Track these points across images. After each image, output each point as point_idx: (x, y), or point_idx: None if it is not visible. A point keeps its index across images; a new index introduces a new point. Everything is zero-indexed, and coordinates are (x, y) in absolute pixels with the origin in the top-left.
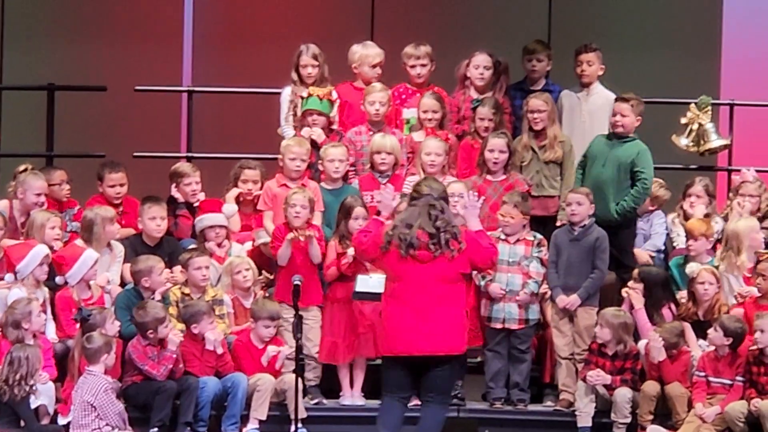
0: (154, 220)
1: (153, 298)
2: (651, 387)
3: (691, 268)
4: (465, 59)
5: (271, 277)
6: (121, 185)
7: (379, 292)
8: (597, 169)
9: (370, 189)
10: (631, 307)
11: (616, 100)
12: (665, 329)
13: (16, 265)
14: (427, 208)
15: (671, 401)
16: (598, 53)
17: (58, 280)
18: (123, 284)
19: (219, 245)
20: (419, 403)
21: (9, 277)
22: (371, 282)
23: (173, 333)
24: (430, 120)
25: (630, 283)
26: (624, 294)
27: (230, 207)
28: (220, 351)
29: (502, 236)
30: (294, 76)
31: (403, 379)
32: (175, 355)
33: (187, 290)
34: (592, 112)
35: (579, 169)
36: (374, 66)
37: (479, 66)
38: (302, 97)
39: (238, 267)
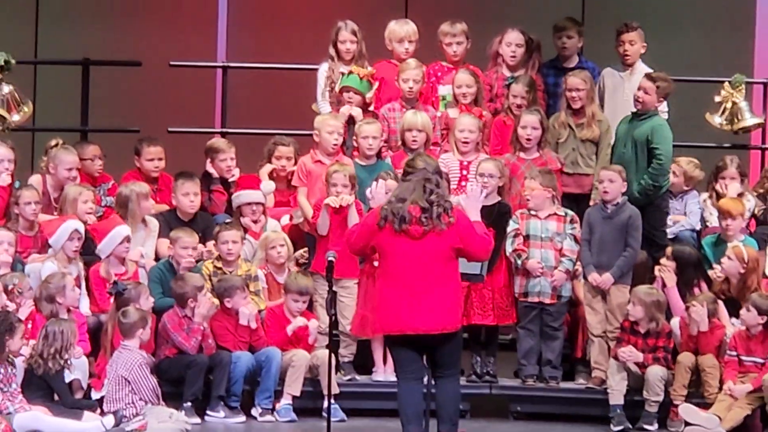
0: (188, 196)
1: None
2: (687, 358)
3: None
4: (497, 36)
5: (306, 254)
6: (159, 159)
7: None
8: (620, 149)
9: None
10: (664, 285)
11: (645, 76)
12: (701, 299)
13: (49, 239)
14: (422, 182)
15: (703, 373)
16: (639, 32)
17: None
18: (157, 259)
19: (255, 222)
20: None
21: (37, 256)
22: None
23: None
24: (464, 95)
25: (663, 261)
26: (656, 272)
27: (268, 184)
28: (254, 326)
29: (533, 211)
30: (332, 51)
31: (410, 355)
32: (203, 328)
33: (219, 264)
34: (634, 91)
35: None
36: (410, 42)
37: (511, 44)
38: (342, 73)
39: (273, 242)
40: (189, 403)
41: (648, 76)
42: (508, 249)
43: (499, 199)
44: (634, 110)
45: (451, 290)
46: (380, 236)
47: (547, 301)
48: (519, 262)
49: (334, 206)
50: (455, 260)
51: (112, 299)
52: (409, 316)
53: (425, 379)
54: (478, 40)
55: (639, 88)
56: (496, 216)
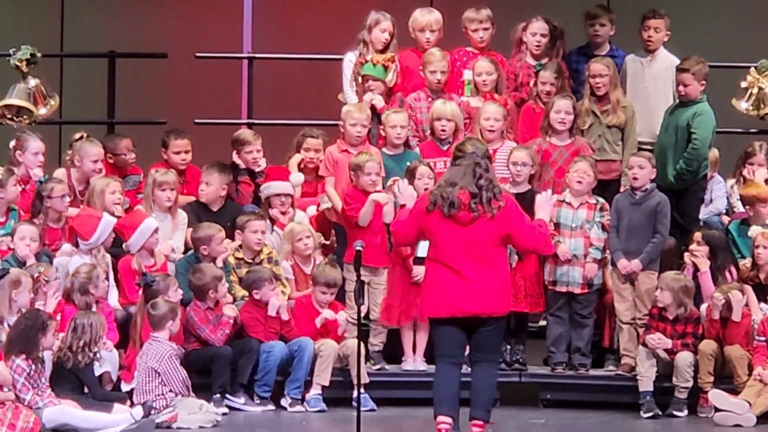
0: (212, 187)
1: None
2: (708, 346)
3: (754, 231)
4: (521, 23)
5: (328, 242)
6: (186, 152)
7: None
8: (661, 134)
9: (432, 156)
10: (696, 270)
11: (678, 69)
12: (725, 288)
13: (87, 237)
14: (473, 166)
15: (731, 363)
16: (666, 20)
17: (123, 247)
18: (187, 251)
19: (283, 213)
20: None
21: (66, 246)
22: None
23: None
24: (485, 83)
25: (693, 247)
26: (687, 258)
27: (298, 176)
28: (285, 317)
29: (567, 199)
30: (366, 37)
31: (454, 339)
32: (231, 321)
33: (240, 254)
34: (655, 78)
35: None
36: (431, 31)
37: (536, 33)
38: (360, 63)
39: (299, 234)
40: (218, 395)
41: (681, 67)
42: None
43: (530, 187)
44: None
45: (500, 275)
46: (428, 220)
47: (577, 291)
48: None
49: (383, 203)
50: (503, 246)
51: (140, 291)
52: (458, 299)
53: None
54: (503, 26)
55: (677, 83)
56: (529, 204)
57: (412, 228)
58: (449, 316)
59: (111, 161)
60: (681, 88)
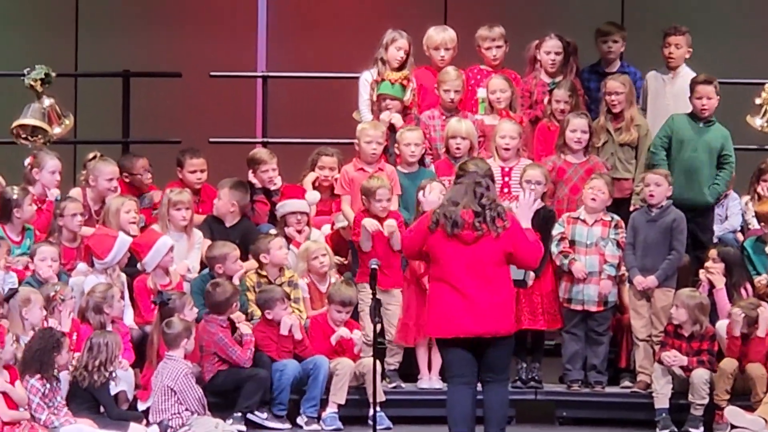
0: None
1: None
2: (728, 364)
3: None
4: (534, 41)
5: (346, 261)
6: (202, 171)
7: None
8: (688, 153)
9: (447, 174)
10: (711, 287)
11: (700, 82)
12: (744, 305)
13: (102, 257)
14: (473, 185)
15: (751, 381)
16: (687, 37)
17: (138, 266)
18: (202, 270)
19: (299, 231)
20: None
21: (82, 266)
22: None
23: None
24: (499, 100)
25: (709, 264)
26: (702, 275)
27: (314, 194)
28: (298, 336)
29: (582, 216)
30: (383, 55)
31: (462, 359)
32: (253, 339)
33: (263, 273)
34: (676, 95)
35: (661, 150)
36: (446, 50)
37: (550, 51)
38: (376, 82)
39: (314, 252)
40: (239, 413)
41: (705, 81)
42: (554, 251)
43: (543, 204)
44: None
45: (504, 294)
46: (432, 239)
47: (593, 309)
48: (566, 262)
49: (372, 231)
50: (507, 265)
51: (156, 310)
52: (461, 319)
53: (475, 385)
54: (516, 43)
55: (700, 97)
56: (542, 221)
57: (417, 244)
58: (454, 337)
59: (127, 180)
60: (705, 101)
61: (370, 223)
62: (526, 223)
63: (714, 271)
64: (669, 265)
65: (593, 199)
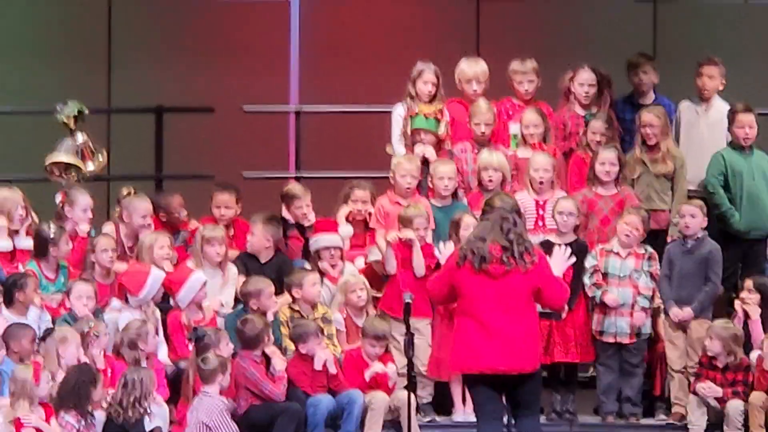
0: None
1: None
2: (758, 398)
3: None
4: (569, 72)
5: (381, 294)
6: (227, 207)
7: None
8: (748, 182)
9: (480, 207)
10: (746, 317)
11: (741, 111)
12: None
13: (135, 293)
14: (500, 221)
15: None
16: (720, 67)
17: (172, 302)
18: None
19: (333, 266)
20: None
21: (116, 302)
22: None
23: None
24: (532, 135)
25: (744, 295)
26: (737, 305)
27: (347, 229)
28: (333, 371)
29: (615, 249)
30: (411, 90)
31: (489, 395)
32: (285, 375)
33: (296, 308)
34: (711, 126)
35: (719, 188)
36: (478, 83)
37: (584, 84)
38: (411, 116)
39: (353, 286)
40: None
41: (744, 110)
42: (587, 283)
43: (576, 237)
44: (727, 146)
45: (530, 330)
46: (459, 275)
47: (626, 341)
48: (598, 293)
49: (393, 242)
50: (534, 301)
51: (192, 345)
52: (487, 356)
53: (505, 419)
54: (550, 75)
55: (741, 126)
56: (574, 254)
57: (445, 285)
58: (478, 373)
59: (163, 219)
60: (748, 130)
61: (391, 236)
62: (558, 273)
63: (750, 301)
64: (705, 297)
65: (627, 236)
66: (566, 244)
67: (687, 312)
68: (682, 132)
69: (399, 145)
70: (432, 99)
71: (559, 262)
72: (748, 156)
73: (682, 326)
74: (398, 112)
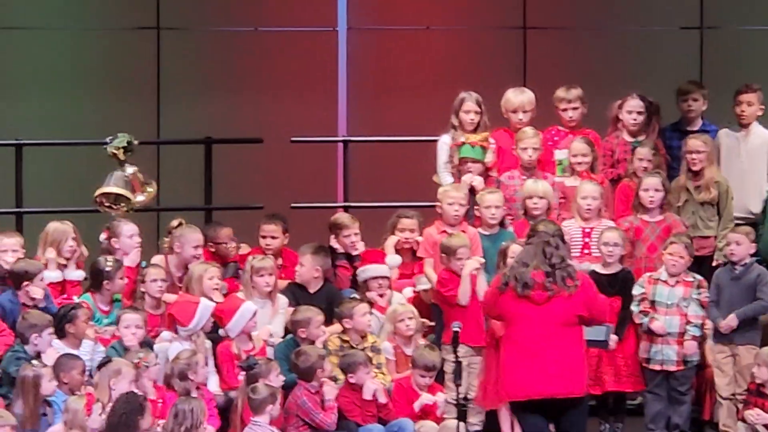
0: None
1: None
2: None
3: None
4: (616, 100)
5: (431, 323)
6: (273, 237)
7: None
8: None
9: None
10: None
11: None
12: None
13: (185, 323)
14: (542, 245)
15: None
16: (759, 94)
17: (221, 332)
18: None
19: (381, 295)
20: None
21: (166, 333)
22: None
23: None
24: (580, 164)
25: None
26: None
27: (394, 258)
28: (383, 400)
29: (663, 277)
30: (454, 122)
31: (537, 422)
32: (336, 404)
33: (346, 338)
34: (750, 153)
35: None
36: (524, 112)
37: (632, 111)
38: (457, 145)
39: (401, 315)
40: None
41: None
42: (635, 311)
43: (622, 267)
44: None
45: (576, 355)
46: (502, 301)
47: (673, 368)
48: (645, 320)
49: (473, 271)
50: (579, 325)
51: (242, 375)
52: (533, 381)
53: None
54: (597, 103)
55: None
56: (621, 283)
57: (490, 303)
58: (526, 399)
59: (212, 250)
60: None
61: (471, 265)
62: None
63: None
64: (751, 309)
65: (673, 265)
66: (612, 274)
67: (730, 319)
68: (722, 160)
69: (445, 173)
70: (476, 128)
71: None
72: None
73: (730, 353)
74: (443, 140)
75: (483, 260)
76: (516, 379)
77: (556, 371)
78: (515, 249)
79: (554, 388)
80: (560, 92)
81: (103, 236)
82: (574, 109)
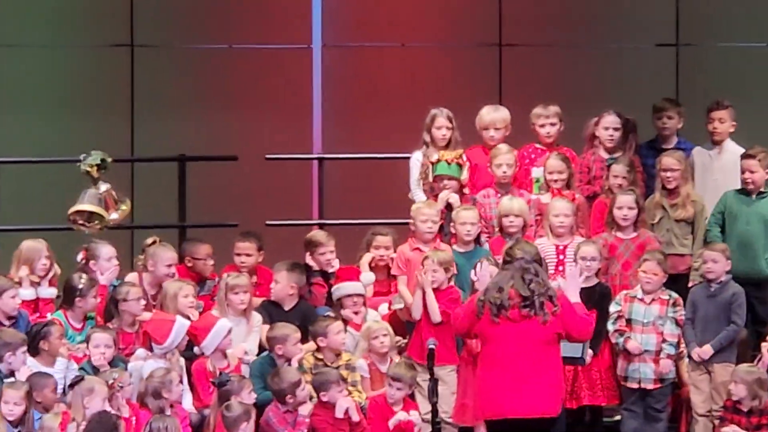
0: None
1: (288, 365)
2: None
3: None
4: (592, 117)
5: (405, 341)
6: (248, 255)
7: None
8: (741, 226)
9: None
10: None
11: (743, 156)
12: None
13: (161, 341)
14: (521, 271)
15: None
16: (730, 110)
17: (196, 350)
18: (261, 352)
19: (356, 313)
20: None
21: (140, 351)
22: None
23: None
24: (555, 181)
25: None
26: (763, 348)
27: (368, 276)
28: (356, 418)
29: (639, 295)
30: (426, 138)
31: None
32: (307, 420)
33: (320, 356)
34: (724, 170)
35: (715, 227)
36: (496, 129)
37: (609, 127)
38: (432, 163)
39: (375, 332)
40: None
41: (746, 154)
42: (610, 329)
43: (598, 280)
44: (738, 188)
45: (553, 375)
46: (480, 325)
47: (650, 386)
48: (621, 340)
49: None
50: (557, 344)
51: (214, 391)
52: (509, 401)
53: None
54: (573, 120)
55: (743, 171)
56: (598, 298)
57: (467, 324)
58: (501, 419)
59: (189, 265)
60: (747, 175)
61: (421, 278)
62: (574, 297)
63: None
64: (725, 336)
65: (648, 282)
66: (589, 288)
67: (706, 349)
68: (696, 177)
69: (418, 190)
70: (447, 144)
71: (572, 282)
72: (753, 201)
73: (706, 370)
74: (416, 157)
75: (423, 278)
76: (491, 398)
77: (531, 391)
78: (487, 265)
79: (529, 409)
80: (538, 109)
81: (80, 256)
82: (552, 125)
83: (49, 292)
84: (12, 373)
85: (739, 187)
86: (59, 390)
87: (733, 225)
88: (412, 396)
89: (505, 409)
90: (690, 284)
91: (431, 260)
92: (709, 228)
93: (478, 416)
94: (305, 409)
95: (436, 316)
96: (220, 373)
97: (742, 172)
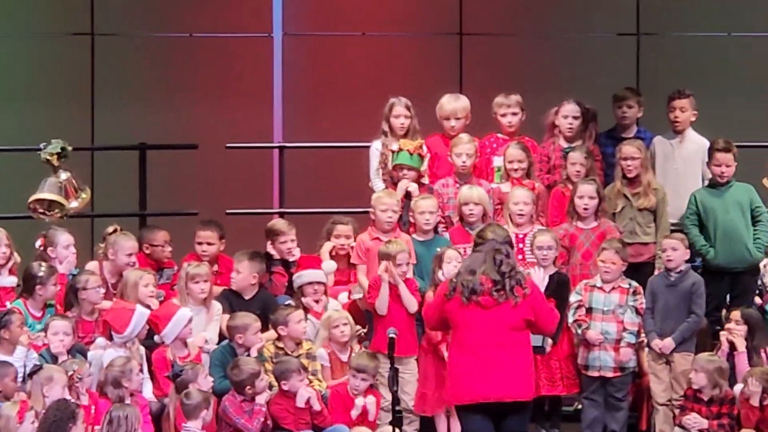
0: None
1: (248, 355)
2: None
3: None
4: (552, 107)
5: (365, 330)
6: (209, 244)
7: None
8: (722, 216)
9: (461, 241)
10: (732, 349)
11: (719, 150)
12: (759, 373)
13: (120, 330)
14: (492, 253)
15: None
16: (691, 99)
17: (156, 339)
18: (221, 341)
19: (316, 301)
20: None
21: (100, 340)
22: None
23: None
24: (516, 170)
25: (731, 326)
26: (722, 337)
27: (330, 264)
28: (317, 407)
29: (598, 284)
30: (385, 127)
31: (482, 426)
32: (264, 408)
33: (281, 345)
34: (685, 159)
35: (694, 228)
36: (457, 119)
37: (568, 116)
38: (393, 151)
39: (336, 321)
40: None
41: (723, 149)
42: (570, 319)
43: (556, 269)
44: (703, 186)
45: (523, 359)
46: (449, 307)
47: (610, 375)
48: (579, 331)
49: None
50: (526, 330)
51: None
52: (481, 385)
53: None
54: (534, 110)
55: (719, 164)
56: (556, 286)
57: (436, 312)
58: (472, 403)
59: (147, 252)
60: (724, 169)
61: (382, 271)
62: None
63: (737, 333)
64: (687, 328)
65: (606, 272)
66: (549, 276)
67: (668, 342)
68: (657, 166)
69: (377, 180)
70: (406, 132)
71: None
72: (723, 191)
73: (666, 359)
74: (375, 146)
75: (383, 271)
76: (463, 383)
77: (503, 375)
78: (451, 255)
79: (501, 392)
80: (499, 98)
81: (38, 243)
82: (513, 114)
83: (9, 280)
84: None
85: (699, 175)
86: (19, 379)
87: (713, 219)
88: (374, 386)
89: (478, 394)
90: (656, 272)
91: (393, 255)
92: (687, 231)
93: (449, 400)
94: (262, 398)
95: (413, 306)
96: (173, 365)
97: (718, 165)
